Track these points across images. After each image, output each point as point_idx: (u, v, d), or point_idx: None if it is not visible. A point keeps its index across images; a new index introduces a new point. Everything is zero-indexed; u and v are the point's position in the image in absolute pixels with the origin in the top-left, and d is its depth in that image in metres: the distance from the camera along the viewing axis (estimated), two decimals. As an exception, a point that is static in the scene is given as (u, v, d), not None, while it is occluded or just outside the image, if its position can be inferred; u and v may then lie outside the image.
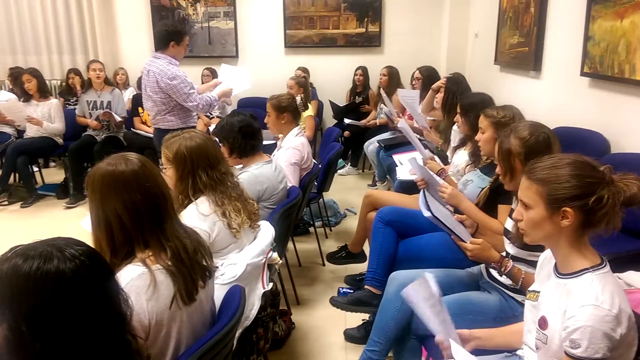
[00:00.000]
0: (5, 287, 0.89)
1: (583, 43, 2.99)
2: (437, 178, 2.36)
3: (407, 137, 2.99)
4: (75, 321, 0.92)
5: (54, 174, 5.58)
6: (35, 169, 5.22)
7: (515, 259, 1.72)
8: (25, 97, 4.84)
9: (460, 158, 2.76)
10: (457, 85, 3.31)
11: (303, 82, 4.82)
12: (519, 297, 1.73)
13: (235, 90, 3.61)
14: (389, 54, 6.04)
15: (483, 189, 2.12)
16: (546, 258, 1.41)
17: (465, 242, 1.76)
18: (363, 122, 5.42)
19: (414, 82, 4.48)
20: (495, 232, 1.94)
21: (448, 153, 3.11)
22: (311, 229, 3.75)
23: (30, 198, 4.67)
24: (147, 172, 1.41)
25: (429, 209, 1.78)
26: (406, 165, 3.39)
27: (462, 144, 2.79)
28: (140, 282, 1.28)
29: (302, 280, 3.11)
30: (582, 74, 3.02)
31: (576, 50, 3.08)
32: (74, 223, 4.23)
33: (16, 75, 5.30)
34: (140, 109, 5.04)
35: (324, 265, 3.33)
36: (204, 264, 1.47)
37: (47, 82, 5.30)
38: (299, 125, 3.09)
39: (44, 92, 4.90)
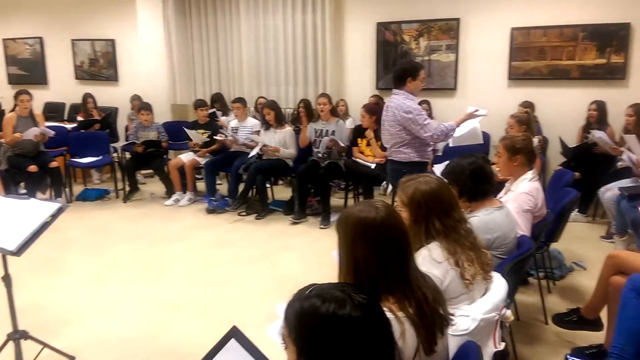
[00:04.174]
0: (305, 325, 1.01)
1: None
2: None
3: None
4: None
5: (281, 191, 6.30)
6: (267, 185, 5.96)
7: None
8: (266, 125, 5.59)
9: None
10: None
11: (525, 119, 4.45)
12: None
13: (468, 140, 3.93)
14: (636, 88, 5.27)
15: None
16: None
17: None
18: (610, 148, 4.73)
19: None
20: None
21: None
22: (531, 279, 3.46)
23: (263, 211, 5.34)
24: (394, 220, 1.46)
25: None
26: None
27: None
28: None
29: (521, 336, 2.86)
30: None
31: None
32: (298, 239, 4.70)
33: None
34: (359, 140, 5.35)
35: (546, 323, 3.02)
36: (442, 312, 1.45)
37: (282, 110, 6.04)
38: (533, 169, 2.88)
39: (280, 121, 5.59)
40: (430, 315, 1.40)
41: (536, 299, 3.19)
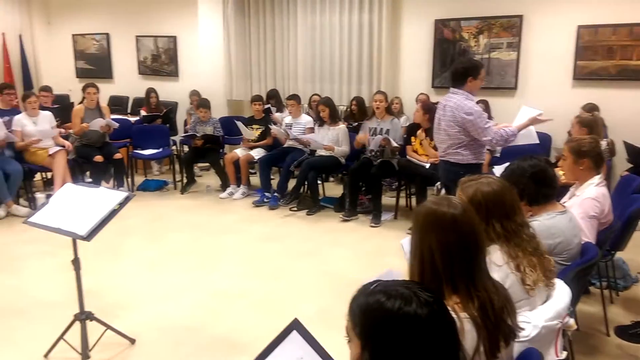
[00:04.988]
0: (370, 320, 1.01)
1: None
2: None
3: None
4: None
5: (332, 188, 6.33)
6: (319, 182, 5.99)
7: None
8: (320, 122, 5.63)
9: None
10: None
11: (588, 121, 4.18)
12: None
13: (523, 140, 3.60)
14: None
15: None
16: None
17: None
18: None
19: None
20: None
21: None
22: (592, 289, 3.31)
23: (314, 207, 5.39)
24: (467, 218, 1.44)
25: None
26: None
27: None
28: None
29: (580, 347, 2.75)
30: None
31: None
32: (349, 236, 4.71)
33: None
34: (413, 138, 5.28)
35: (608, 335, 2.88)
36: (509, 323, 1.41)
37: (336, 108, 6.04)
38: (600, 174, 2.74)
39: (334, 118, 5.62)
40: (495, 321, 1.37)
41: (598, 309, 3.05)
